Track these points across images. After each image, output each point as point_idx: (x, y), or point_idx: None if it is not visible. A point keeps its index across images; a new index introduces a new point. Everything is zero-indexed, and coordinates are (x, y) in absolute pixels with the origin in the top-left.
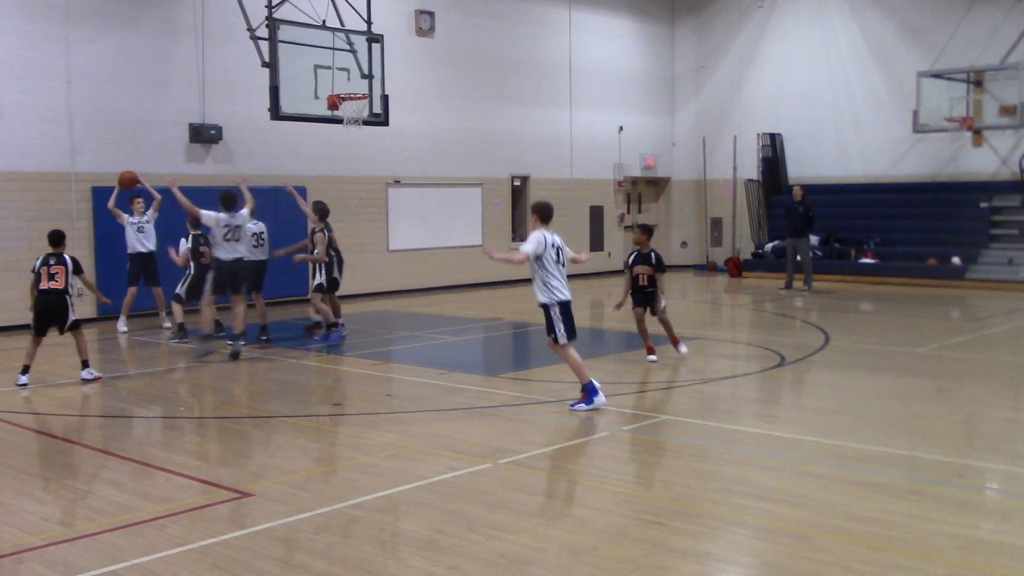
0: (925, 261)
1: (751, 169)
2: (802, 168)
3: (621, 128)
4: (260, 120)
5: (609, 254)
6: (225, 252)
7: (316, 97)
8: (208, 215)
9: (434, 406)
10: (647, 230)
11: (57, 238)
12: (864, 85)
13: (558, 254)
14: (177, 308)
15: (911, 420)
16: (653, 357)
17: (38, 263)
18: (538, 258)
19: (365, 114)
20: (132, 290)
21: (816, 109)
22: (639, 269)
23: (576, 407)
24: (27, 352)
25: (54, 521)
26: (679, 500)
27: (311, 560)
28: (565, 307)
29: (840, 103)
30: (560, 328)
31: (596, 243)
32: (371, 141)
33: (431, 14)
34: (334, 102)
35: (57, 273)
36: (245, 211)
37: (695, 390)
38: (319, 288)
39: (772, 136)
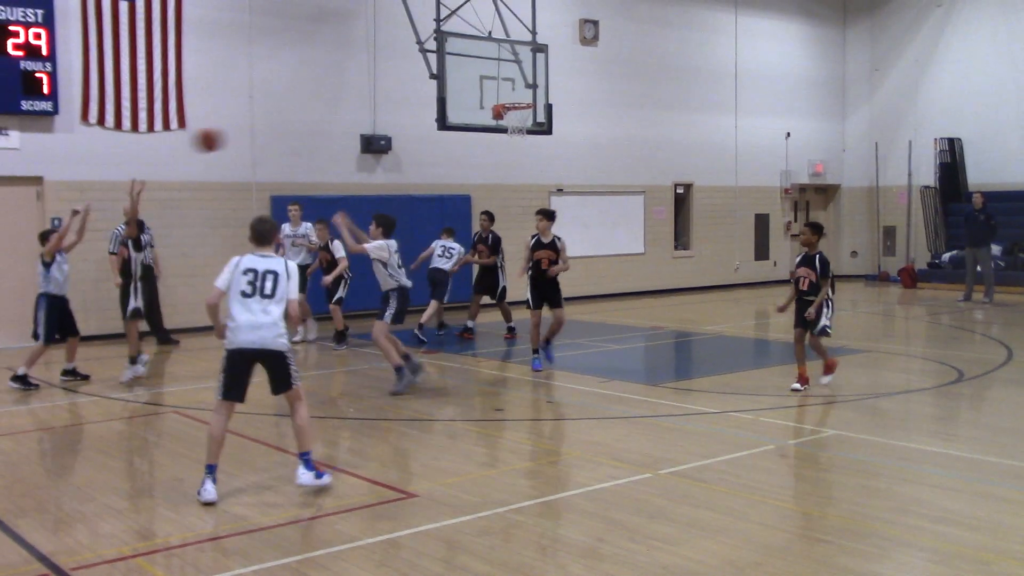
0: None
1: (927, 175)
2: (983, 174)
3: (788, 134)
4: (428, 130)
5: (775, 263)
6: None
7: (481, 107)
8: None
9: (595, 414)
10: (816, 229)
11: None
12: None
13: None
14: (336, 313)
15: None
16: (797, 386)
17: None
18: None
19: (529, 123)
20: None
21: (999, 112)
22: (801, 271)
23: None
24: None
25: (233, 514)
26: (847, 518)
27: (472, 562)
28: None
29: None
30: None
31: (761, 252)
32: (534, 150)
33: (595, 23)
34: (499, 112)
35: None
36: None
37: (866, 404)
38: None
39: (950, 141)
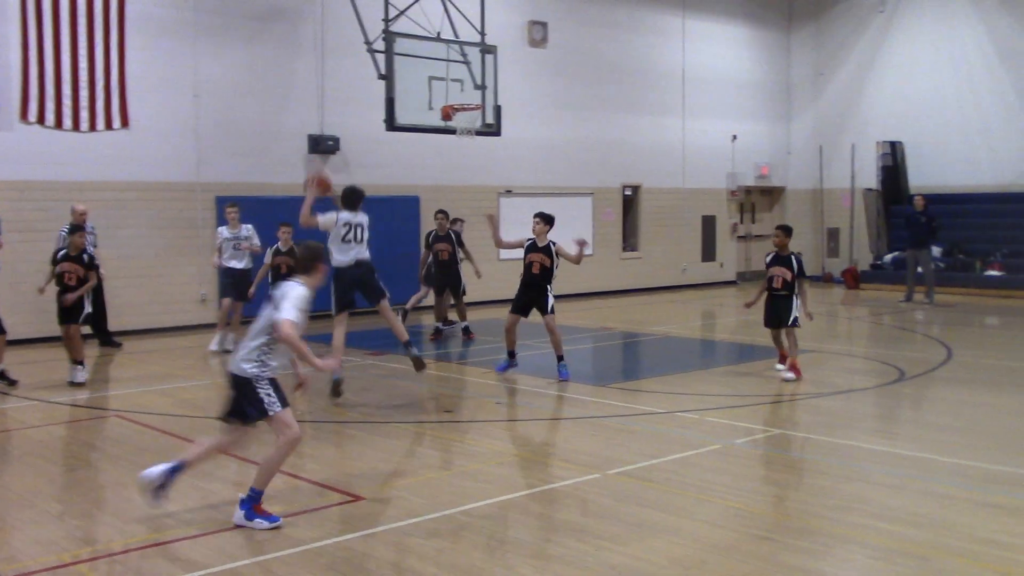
0: None
1: (870, 178)
2: (925, 177)
3: (735, 137)
4: (376, 131)
5: (722, 264)
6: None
7: (430, 108)
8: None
9: (544, 415)
10: (787, 231)
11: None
12: (992, 90)
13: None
14: None
15: None
16: (780, 366)
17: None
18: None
19: (478, 124)
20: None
21: (941, 116)
22: (775, 271)
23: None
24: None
25: (178, 519)
26: (793, 516)
27: (421, 564)
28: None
29: (967, 109)
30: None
31: (708, 253)
32: (483, 151)
33: (544, 25)
34: (448, 113)
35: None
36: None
37: (810, 404)
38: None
39: (893, 144)
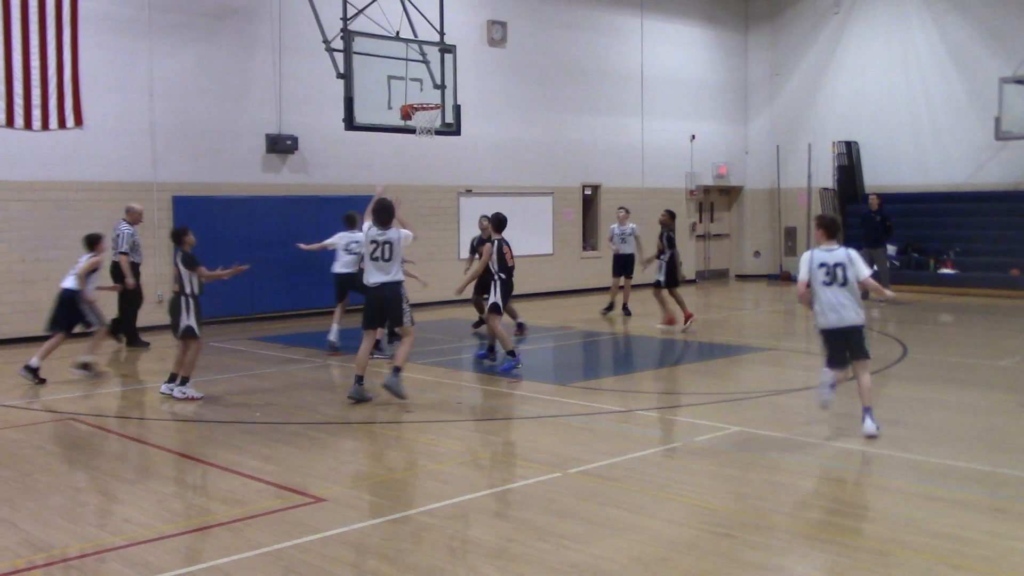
0: (1007, 272)
1: (826, 178)
2: (879, 177)
3: (693, 137)
4: (335, 130)
5: (681, 263)
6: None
7: (389, 107)
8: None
9: (504, 415)
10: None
11: (175, 235)
12: (944, 91)
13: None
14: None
15: (992, 435)
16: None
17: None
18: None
19: (437, 124)
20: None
21: (894, 116)
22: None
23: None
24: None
25: (135, 522)
26: (752, 513)
27: (382, 566)
28: None
29: (919, 110)
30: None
31: None
32: (443, 151)
33: (503, 24)
34: (407, 112)
35: (175, 274)
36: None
37: (768, 401)
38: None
39: (848, 144)
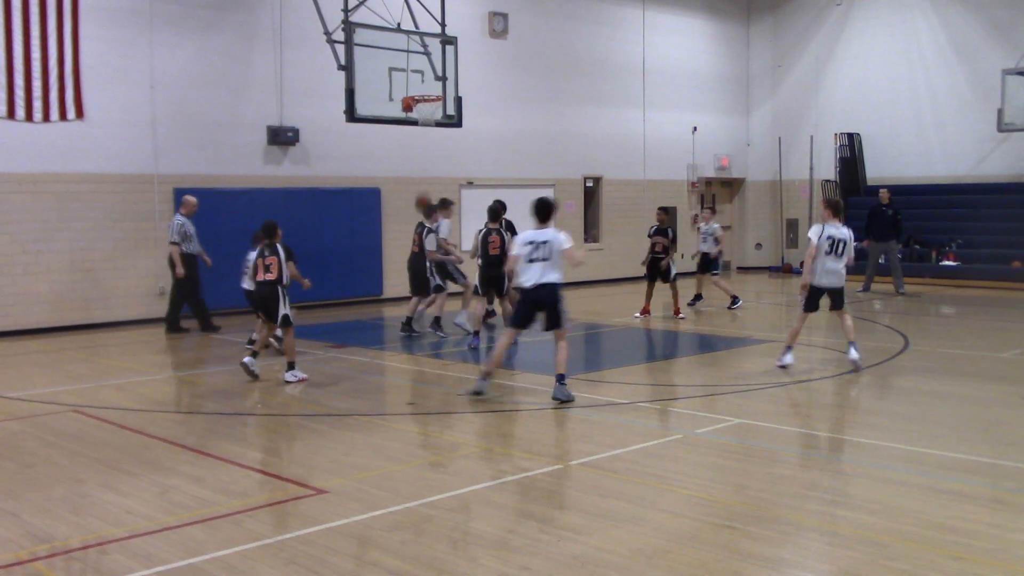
0: (1009, 264)
1: (828, 170)
2: (881, 168)
3: (695, 128)
4: (336, 122)
5: (682, 255)
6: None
7: (391, 99)
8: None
9: (506, 406)
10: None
11: (270, 229)
12: (946, 83)
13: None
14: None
15: (994, 427)
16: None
17: (253, 256)
18: None
19: (439, 116)
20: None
21: (896, 108)
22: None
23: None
24: (262, 339)
25: (137, 514)
26: (753, 505)
27: (384, 557)
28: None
29: (921, 102)
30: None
31: None
32: (445, 143)
33: (504, 16)
34: (408, 104)
35: (271, 264)
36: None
37: (769, 393)
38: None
39: (850, 136)
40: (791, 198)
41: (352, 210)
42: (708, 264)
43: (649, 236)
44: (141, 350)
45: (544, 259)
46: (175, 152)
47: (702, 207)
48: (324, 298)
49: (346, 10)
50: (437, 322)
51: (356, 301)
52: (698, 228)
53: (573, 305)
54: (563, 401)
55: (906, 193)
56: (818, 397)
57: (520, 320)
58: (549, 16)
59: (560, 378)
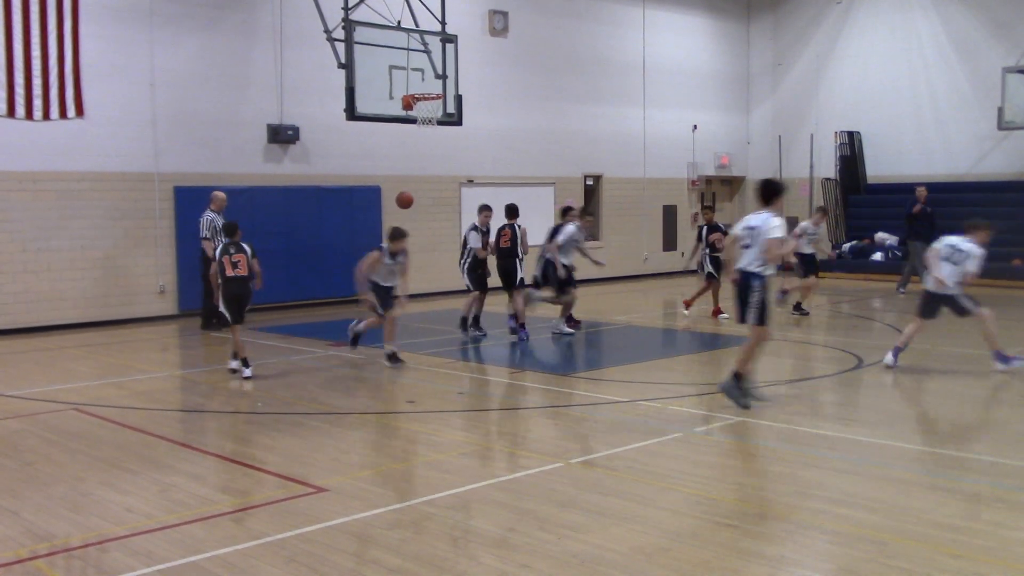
0: (1009, 262)
1: (828, 168)
2: (881, 167)
3: (695, 127)
4: (336, 120)
5: (683, 253)
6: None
7: (391, 97)
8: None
9: (507, 405)
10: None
11: (231, 229)
12: (947, 81)
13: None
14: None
15: (994, 425)
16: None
17: (219, 253)
18: None
19: (439, 114)
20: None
21: (896, 106)
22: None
23: None
24: (235, 341)
25: (137, 512)
26: (753, 503)
27: (384, 555)
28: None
29: (921, 100)
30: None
31: (669, 243)
32: (445, 141)
33: (504, 14)
34: (408, 102)
35: (239, 261)
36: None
37: (769, 392)
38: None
39: (850, 134)
40: (791, 197)
41: (352, 208)
42: (813, 266)
43: (700, 237)
44: (142, 348)
45: (748, 245)
46: (175, 150)
47: (702, 207)
48: (324, 296)
49: (346, 8)
50: (476, 321)
51: (356, 299)
52: (803, 231)
53: (576, 302)
54: (731, 399)
55: (906, 191)
56: (817, 395)
57: (739, 313)
58: (549, 14)
59: (736, 376)
